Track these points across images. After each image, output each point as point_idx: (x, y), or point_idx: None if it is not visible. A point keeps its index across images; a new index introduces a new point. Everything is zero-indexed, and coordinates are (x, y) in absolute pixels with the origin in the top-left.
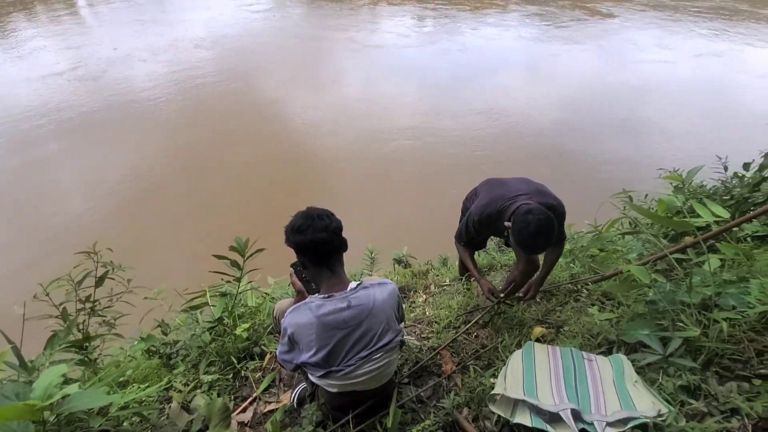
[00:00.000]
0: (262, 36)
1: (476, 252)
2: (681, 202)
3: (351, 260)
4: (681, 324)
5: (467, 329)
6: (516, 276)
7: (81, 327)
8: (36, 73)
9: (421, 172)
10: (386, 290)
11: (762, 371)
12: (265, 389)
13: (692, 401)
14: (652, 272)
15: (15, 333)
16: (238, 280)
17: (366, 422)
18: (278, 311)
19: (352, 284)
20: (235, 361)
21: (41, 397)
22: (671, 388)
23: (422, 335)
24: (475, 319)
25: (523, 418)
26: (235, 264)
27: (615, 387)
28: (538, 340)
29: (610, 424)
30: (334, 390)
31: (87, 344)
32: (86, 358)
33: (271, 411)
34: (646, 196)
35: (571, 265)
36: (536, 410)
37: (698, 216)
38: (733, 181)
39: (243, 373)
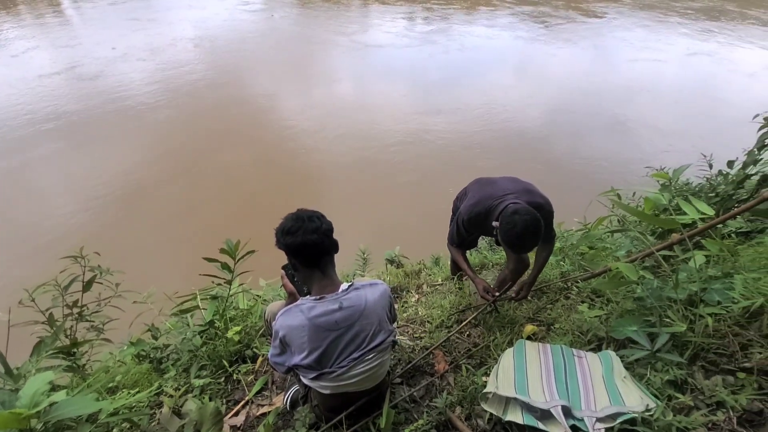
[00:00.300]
0: (257, 36)
1: (468, 251)
2: (667, 200)
3: (343, 261)
4: (668, 320)
5: (460, 329)
6: (507, 274)
7: (68, 333)
8: (21, 74)
9: (413, 172)
10: (378, 291)
11: (746, 365)
12: (258, 392)
13: (679, 395)
14: (639, 269)
15: (0, 340)
16: (229, 282)
17: (359, 423)
18: (270, 314)
19: (344, 285)
20: (226, 364)
21: (28, 405)
22: (659, 383)
23: (415, 335)
24: (471, 317)
25: (515, 416)
26: (225, 266)
27: (604, 383)
28: (529, 338)
29: (599, 420)
30: (327, 392)
31: (75, 350)
32: (74, 365)
33: (264, 414)
34: (634, 194)
35: (562, 263)
36: (528, 407)
37: (684, 213)
38: (718, 179)
39: (235, 376)
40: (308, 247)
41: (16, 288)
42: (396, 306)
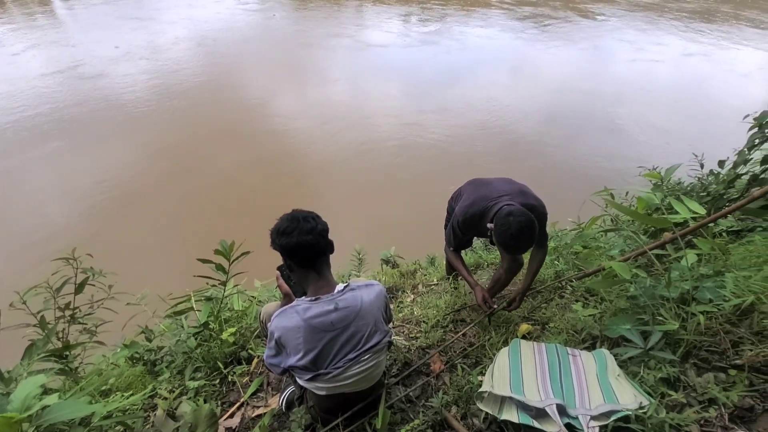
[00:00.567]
0: (258, 36)
1: (463, 251)
2: (659, 199)
3: (339, 261)
4: (661, 318)
5: (455, 329)
6: (501, 274)
7: (60, 335)
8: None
9: (408, 172)
10: (373, 292)
11: (737, 362)
12: (253, 394)
13: (672, 393)
14: (633, 268)
15: None
16: (224, 283)
17: (355, 424)
18: (265, 315)
19: (339, 286)
20: (221, 366)
21: (19, 409)
22: (652, 381)
23: (410, 335)
24: (466, 329)
25: (510, 415)
26: (220, 267)
27: (598, 381)
28: (524, 337)
29: (593, 418)
30: (323, 393)
31: (67, 353)
32: (66, 368)
33: (260, 415)
34: (627, 193)
35: (556, 262)
36: (523, 406)
37: (676, 212)
38: (709, 178)
39: (230, 378)
40: (303, 248)
41: (6, 290)
42: (391, 306)
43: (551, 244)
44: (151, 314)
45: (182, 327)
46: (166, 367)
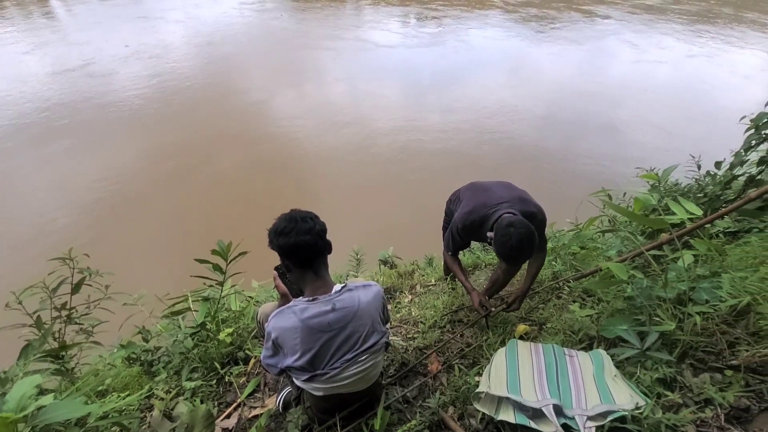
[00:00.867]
0: (264, 36)
1: (460, 251)
2: (656, 200)
3: (337, 262)
4: (657, 318)
5: (452, 329)
6: (499, 275)
7: (57, 336)
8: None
9: (407, 172)
10: (371, 292)
11: (733, 362)
12: (250, 394)
13: (668, 393)
14: (630, 269)
15: None
16: (221, 284)
17: (352, 424)
18: (262, 315)
19: (337, 287)
20: (218, 366)
21: (15, 409)
22: (648, 381)
23: (408, 335)
24: (464, 327)
25: (507, 415)
26: (217, 268)
27: (595, 381)
28: (521, 337)
29: (590, 418)
30: (320, 393)
31: (63, 353)
32: (63, 368)
33: (256, 416)
34: (625, 194)
35: (553, 263)
36: (519, 407)
37: (673, 213)
38: (706, 180)
39: (227, 378)
40: (301, 248)
41: (2, 290)
42: (389, 307)
43: (549, 244)
44: (148, 314)
45: (179, 327)
46: (163, 367)
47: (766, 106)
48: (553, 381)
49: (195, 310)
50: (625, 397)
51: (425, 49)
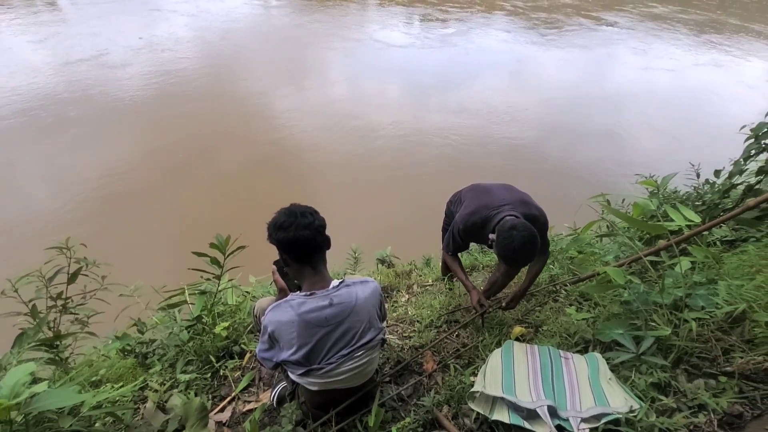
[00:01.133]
0: (275, 33)
1: (459, 253)
2: (655, 207)
3: (334, 260)
4: (653, 323)
5: (449, 329)
6: (498, 277)
7: (52, 325)
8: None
9: (406, 172)
10: (368, 288)
11: (727, 369)
12: (244, 388)
13: (662, 397)
14: (627, 274)
15: None
16: (218, 277)
17: (346, 420)
18: (259, 309)
19: (335, 282)
20: (213, 360)
21: (8, 396)
22: (643, 385)
23: (404, 334)
24: (459, 327)
25: (501, 415)
26: (215, 261)
27: (590, 384)
28: (517, 339)
29: (584, 420)
30: (315, 388)
31: (58, 343)
32: (57, 357)
33: (250, 410)
34: (624, 200)
35: (551, 266)
36: (514, 407)
37: (671, 220)
38: (705, 188)
39: (222, 372)
40: (300, 243)
41: None
42: (386, 305)
43: None
44: (144, 306)
45: (175, 320)
46: (158, 359)
47: (766, 116)
48: (548, 382)
49: (191, 303)
50: (619, 400)
51: (435, 50)
